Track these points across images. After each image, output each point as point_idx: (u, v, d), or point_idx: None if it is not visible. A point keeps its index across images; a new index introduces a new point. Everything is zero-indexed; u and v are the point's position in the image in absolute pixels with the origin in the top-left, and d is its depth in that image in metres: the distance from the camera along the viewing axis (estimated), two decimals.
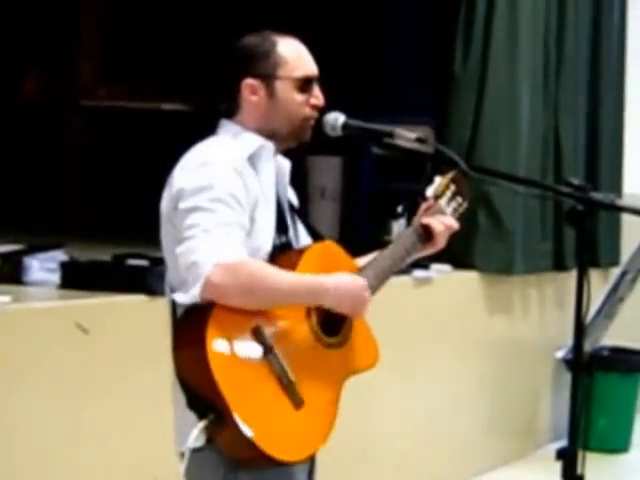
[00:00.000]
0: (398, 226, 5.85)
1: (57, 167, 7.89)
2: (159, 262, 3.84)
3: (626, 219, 7.02)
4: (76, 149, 8.10)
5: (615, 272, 5.87)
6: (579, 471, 2.60)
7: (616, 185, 7.25)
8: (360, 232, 6.32)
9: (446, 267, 5.80)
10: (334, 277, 2.56)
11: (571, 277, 7.07)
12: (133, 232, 6.06)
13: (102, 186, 7.78)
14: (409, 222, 6.14)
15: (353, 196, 6.79)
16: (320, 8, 6.83)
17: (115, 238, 5.80)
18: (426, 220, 2.80)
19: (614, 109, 7.27)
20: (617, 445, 6.52)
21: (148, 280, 3.86)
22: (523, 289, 6.49)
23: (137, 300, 3.89)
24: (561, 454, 2.60)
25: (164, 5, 7.44)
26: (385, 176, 6.38)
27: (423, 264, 5.38)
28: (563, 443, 7.07)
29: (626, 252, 7.06)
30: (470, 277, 6.02)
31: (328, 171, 6.92)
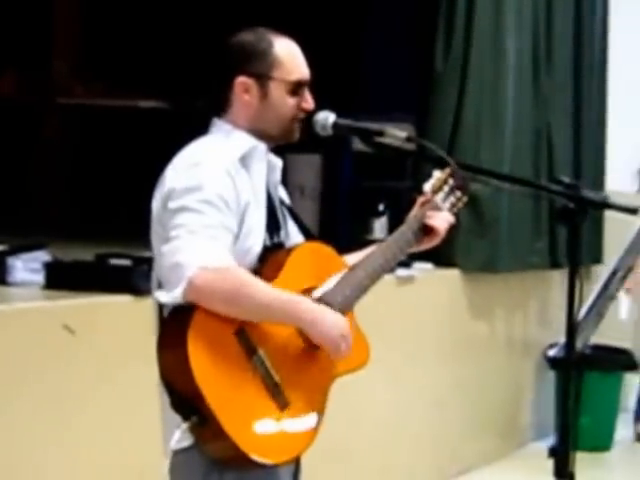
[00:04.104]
0: (380, 224, 5.86)
1: (34, 166, 7.88)
2: (142, 261, 3.90)
3: (608, 217, 7.02)
4: (53, 147, 8.09)
5: (598, 270, 5.92)
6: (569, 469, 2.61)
7: (599, 182, 7.27)
8: (341, 230, 6.31)
9: (428, 265, 5.80)
10: (322, 309, 2.52)
11: (555, 275, 7.13)
12: (114, 231, 6.08)
13: (79, 185, 7.77)
14: (391, 220, 6.14)
15: (333, 194, 6.78)
16: (300, 4, 6.82)
17: (95, 238, 5.79)
18: (429, 221, 2.79)
19: (597, 107, 7.30)
20: (600, 443, 6.54)
21: (133, 280, 3.88)
22: (506, 287, 6.50)
23: (123, 300, 3.91)
24: (553, 452, 2.59)
25: (141, 2, 7.43)
26: (365, 174, 6.37)
27: (405, 262, 5.36)
28: (546, 441, 7.11)
29: (608, 250, 7.09)
30: (452, 275, 6.03)
31: (308, 169, 6.90)
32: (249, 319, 2.45)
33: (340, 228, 6.37)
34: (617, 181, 7.58)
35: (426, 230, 2.81)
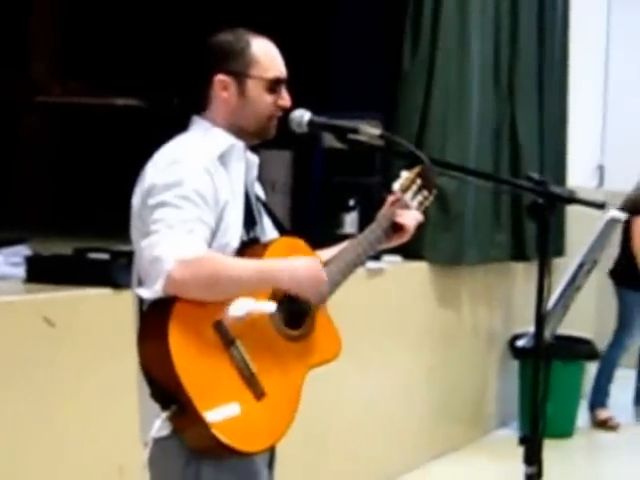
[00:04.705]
0: (350, 219, 5.89)
1: (12, 163, 7.85)
2: (121, 255, 3.89)
3: (570, 211, 7.15)
4: (33, 145, 8.07)
5: (561, 262, 6.04)
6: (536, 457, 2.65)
7: (561, 178, 7.35)
8: (312, 225, 6.29)
9: (397, 258, 5.85)
10: (291, 261, 2.59)
11: (518, 268, 7.26)
12: (93, 226, 6.05)
13: (59, 181, 7.74)
14: (361, 215, 6.19)
15: (304, 189, 6.76)
16: (271, 5, 6.86)
17: (74, 233, 5.76)
18: (399, 219, 2.85)
19: (558, 104, 7.38)
20: (563, 430, 6.65)
21: (113, 273, 3.87)
22: (471, 279, 6.59)
23: (103, 293, 3.89)
24: (523, 440, 2.64)
25: (118, 2, 7.43)
26: (336, 170, 6.39)
27: (375, 255, 5.44)
28: (510, 428, 7.25)
29: (570, 243, 7.23)
30: (420, 267, 6.10)
31: (279, 165, 6.89)
32: (232, 294, 2.50)
33: (311, 223, 6.31)
34: (578, 177, 7.73)
35: (395, 228, 2.87)
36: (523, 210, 6.76)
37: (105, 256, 4.08)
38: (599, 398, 7.16)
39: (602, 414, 7.13)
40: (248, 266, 2.54)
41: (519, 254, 6.88)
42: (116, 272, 3.87)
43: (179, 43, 6.55)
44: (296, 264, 2.60)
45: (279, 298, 2.62)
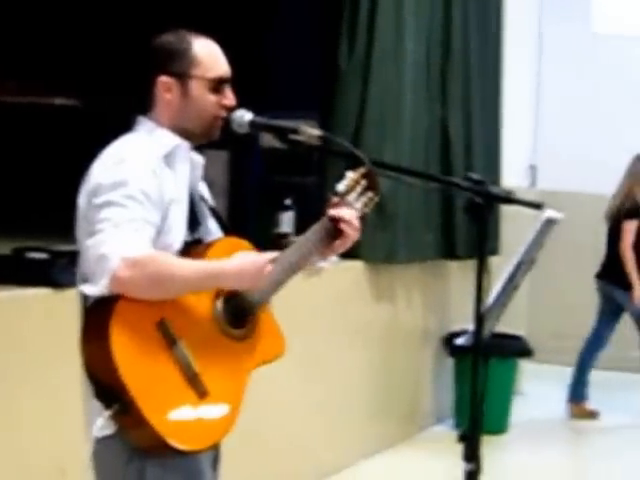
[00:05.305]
0: (287, 218, 5.90)
1: None
2: (60, 255, 3.88)
3: (504, 211, 7.23)
4: None
5: (495, 261, 6.12)
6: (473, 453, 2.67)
7: (494, 178, 7.42)
8: (249, 226, 6.32)
9: (334, 257, 5.86)
10: (236, 260, 2.58)
11: (451, 266, 7.33)
12: (29, 226, 5.98)
13: None
14: (298, 214, 6.21)
15: (241, 189, 6.79)
16: (209, 5, 6.86)
17: (11, 232, 5.66)
18: (334, 212, 2.84)
19: (492, 105, 7.46)
20: (496, 427, 6.72)
21: (53, 273, 3.86)
22: (406, 278, 6.64)
23: (42, 293, 3.89)
24: (463, 437, 2.66)
25: (55, 2, 7.38)
26: (273, 169, 6.42)
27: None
28: (445, 425, 7.31)
29: (504, 242, 7.33)
30: (356, 266, 6.14)
31: (215, 165, 6.89)
32: (178, 293, 2.52)
33: (248, 223, 6.38)
34: (511, 177, 7.83)
35: (337, 228, 2.85)
36: (455, 209, 6.85)
37: (44, 256, 4.07)
38: (583, 392, 7.45)
39: (588, 406, 7.45)
40: (193, 266, 2.55)
41: (449, 253, 6.96)
42: (56, 272, 3.86)
43: (116, 43, 6.52)
44: (235, 262, 2.58)
45: (223, 298, 2.63)
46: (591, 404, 7.52)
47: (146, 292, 2.48)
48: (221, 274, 2.57)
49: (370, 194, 2.91)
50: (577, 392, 7.49)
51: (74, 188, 2.71)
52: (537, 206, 2.74)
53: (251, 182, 6.70)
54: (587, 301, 7.78)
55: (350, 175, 2.89)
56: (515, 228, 6.61)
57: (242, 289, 2.63)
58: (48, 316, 3.83)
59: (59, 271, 3.82)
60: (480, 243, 2.68)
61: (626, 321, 7.47)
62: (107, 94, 6.73)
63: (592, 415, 7.45)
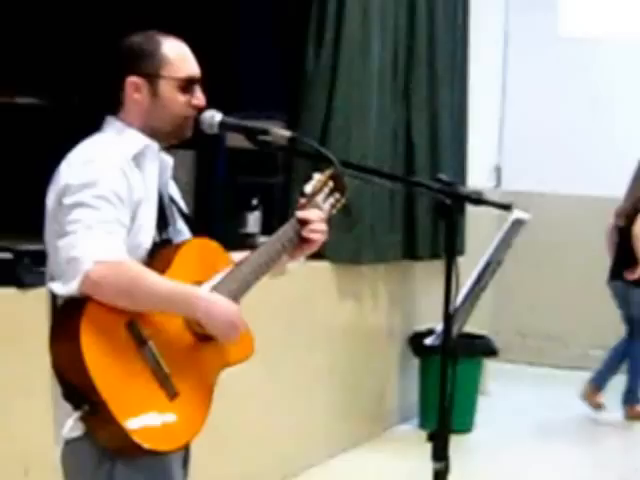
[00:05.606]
0: (253, 218, 5.92)
1: None
2: (25, 255, 3.82)
3: (469, 212, 7.29)
4: None
5: (460, 262, 6.17)
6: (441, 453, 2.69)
7: (460, 179, 7.45)
8: (216, 226, 6.31)
9: (302, 258, 5.89)
10: (211, 295, 2.59)
11: (415, 267, 7.35)
12: None
13: None
14: (264, 214, 6.19)
15: (207, 189, 6.78)
16: (176, 6, 6.85)
17: None
18: (302, 214, 2.85)
19: (458, 106, 7.50)
20: (461, 426, 6.75)
21: (18, 272, 3.82)
22: (372, 278, 6.68)
23: (6, 292, 3.85)
24: (431, 437, 2.68)
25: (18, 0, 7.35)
26: (238, 169, 6.41)
27: None
28: (410, 425, 7.32)
29: (469, 243, 7.37)
30: (322, 267, 6.16)
31: (181, 164, 6.86)
32: (145, 310, 2.51)
33: (214, 223, 6.36)
34: (476, 177, 7.88)
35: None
36: (417, 211, 6.89)
37: (9, 255, 4.02)
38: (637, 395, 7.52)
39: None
40: (167, 284, 2.54)
41: (412, 254, 7.00)
42: (20, 271, 3.82)
43: (81, 42, 6.50)
44: (215, 299, 2.59)
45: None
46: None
47: (115, 298, 2.47)
48: (192, 302, 2.55)
49: (337, 195, 2.93)
50: (630, 396, 7.54)
51: (40, 188, 2.70)
52: (506, 207, 2.77)
53: (217, 182, 6.68)
54: (550, 301, 7.85)
55: (317, 177, 2.90)
56: (478, 228, 6.66)
57: (208, 326, 2.59)
58: (12, 316, 3.80)
59: (23, 271, 3.78)
60: (449, 244, 2.71)
61: None
62: (74, 93, 6.71)
63: None
